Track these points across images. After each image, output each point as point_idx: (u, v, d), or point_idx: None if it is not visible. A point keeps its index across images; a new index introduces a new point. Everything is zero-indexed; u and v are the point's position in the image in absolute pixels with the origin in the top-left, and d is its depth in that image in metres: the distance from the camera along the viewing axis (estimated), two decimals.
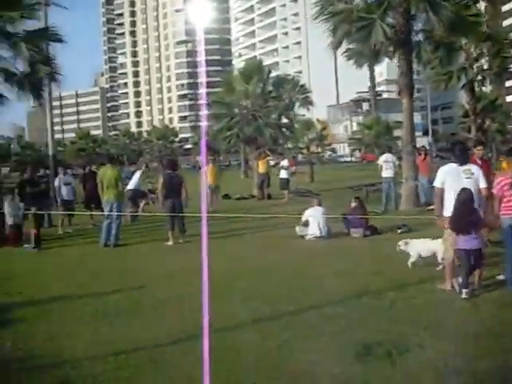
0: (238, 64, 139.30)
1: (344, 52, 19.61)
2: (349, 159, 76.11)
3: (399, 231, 12.92)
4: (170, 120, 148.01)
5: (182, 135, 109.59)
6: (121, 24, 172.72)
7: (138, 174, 19.25)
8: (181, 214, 13.22)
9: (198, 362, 5.50)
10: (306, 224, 13.38)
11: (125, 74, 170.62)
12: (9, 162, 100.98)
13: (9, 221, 14.68)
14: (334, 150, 61.16)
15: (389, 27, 16.77)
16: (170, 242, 13.14)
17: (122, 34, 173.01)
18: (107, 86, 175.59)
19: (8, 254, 13.52)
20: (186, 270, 10.00)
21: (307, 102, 42.18)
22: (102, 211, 14.04)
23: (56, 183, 17.14)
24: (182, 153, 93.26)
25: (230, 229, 14.92)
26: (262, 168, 24.22)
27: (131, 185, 18.63)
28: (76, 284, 9.48)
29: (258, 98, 26.09)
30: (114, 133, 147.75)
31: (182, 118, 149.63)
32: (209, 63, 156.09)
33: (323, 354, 5.63)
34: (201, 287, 7.86)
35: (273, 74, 29.91)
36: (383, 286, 8.17)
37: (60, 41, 15.91)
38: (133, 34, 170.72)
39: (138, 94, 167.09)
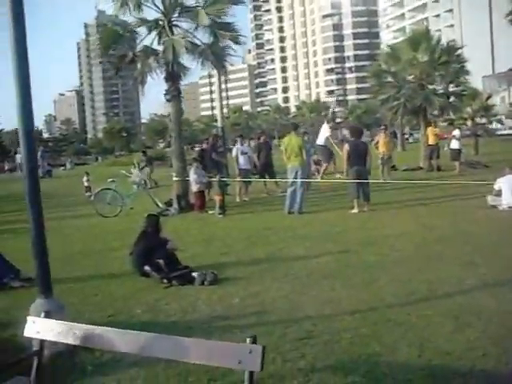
0: (386, 35, 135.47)
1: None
2: (506, 132, 71.11)
3: None
4: (317, 94, 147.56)
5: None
6: (266, 1, 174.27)
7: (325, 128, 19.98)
8: (365, 181, 13.05)
9: (432, 325, 5.40)
10: (499, 193, 12.62)
11: (271, 50, 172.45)
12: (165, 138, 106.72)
13: (194, 188, 15.37)
14: (501, 122, 57.10)
15: None
16: (355, 210, 13.02)
17: (268, 10, 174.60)
18: (255, 62, 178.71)
19: (198, 219, 14.18)
20: (386, 236, 9.85)
21: (463, 72, 39.77)
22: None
23: (234, 153, 17.65)
24: (332, 127, 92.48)
25: (415, 198, 14.55)
26: (431, 139, 23.29)
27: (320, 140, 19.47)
28: (276, 248, 9.65)
29: (427, 67, 24.94)
30: (261, 108, 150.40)
31: (330, 92, 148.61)
32: (355, 36, 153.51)
33: None
34: (417, 253, 7.74)
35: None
36: None
37: (242, 2, 16.04)
38: (279, 9, 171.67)
39: (284, 69, 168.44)
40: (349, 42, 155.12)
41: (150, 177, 21.86)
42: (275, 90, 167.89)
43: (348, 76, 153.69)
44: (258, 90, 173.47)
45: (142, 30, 16.33)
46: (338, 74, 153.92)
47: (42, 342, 3.61)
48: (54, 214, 16.30)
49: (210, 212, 14.81)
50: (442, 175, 21.51)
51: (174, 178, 15.96)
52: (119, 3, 15.59)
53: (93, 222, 14.81)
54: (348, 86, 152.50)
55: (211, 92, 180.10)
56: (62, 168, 41.70)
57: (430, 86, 25.97)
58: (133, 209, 16.10)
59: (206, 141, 19.66)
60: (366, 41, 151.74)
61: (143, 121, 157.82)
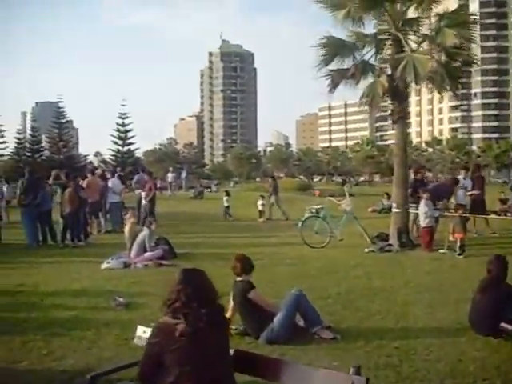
0: None
1: None
2: None
3: None
4: (440, 131, 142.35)
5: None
6: None
7: None
8: None
9: None
10: None
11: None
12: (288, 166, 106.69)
13: (423, 222, 13.58)
14: None
15: None
16: None
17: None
18: None
19: (433, 259, 12.30)
20: None
21: None
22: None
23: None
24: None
25: None
26: None
27: None
28: None
29: None
30: (381, 143, 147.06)
31: (454, 130, 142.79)
32: (483, 73, 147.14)
33: None
34: None
35: None
36: None
37: None
38: None
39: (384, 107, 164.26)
40: (477, 79, 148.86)
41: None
42: None
43: (474, 114, 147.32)
44: (377, 124, 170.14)
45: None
46: (463, 111, 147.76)
47: None
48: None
49: (441, 251, 12.92)
50: None
51: (395, 210, 14.25)
52: (342, 14, 14.34)
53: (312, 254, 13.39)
54: (474, 124, 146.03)
55: (330, 124, 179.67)
56: (208, 190, 41.41)
57: None
58: (342, 240, 14.58)
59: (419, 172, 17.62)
60: (494, 78, 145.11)
61: (259, 149, 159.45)
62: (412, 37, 14.65)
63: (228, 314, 6.59)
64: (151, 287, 9.23)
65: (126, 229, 13.01)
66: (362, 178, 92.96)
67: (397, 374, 5.25)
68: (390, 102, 14.58)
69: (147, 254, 11.97)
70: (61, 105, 75.54)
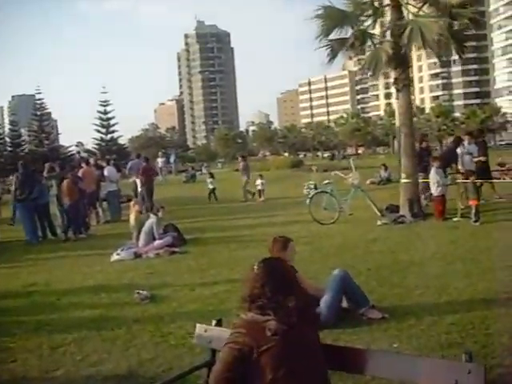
0: (497, 37, 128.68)
1: None
2: None
3: None
4: (422, 100, 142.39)
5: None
6: None
7: None
8: None
9: None
10: None
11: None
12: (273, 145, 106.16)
13: (435, 191, 13.22)
14: None
15: None
16: None
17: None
18: (355, 68, 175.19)
19: (450, 227, 11.97)
20: None
21: None
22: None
23: (459, 151, 15.36)
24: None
25: None
26: None
27: None
28: None
29: None
30: (365, 115, 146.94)
31: (435, 98, 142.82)
32: None
33: None
34: None
35: None
36: None
37: None
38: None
39: (386, 75, 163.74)
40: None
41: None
42: (377, 96, 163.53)
43: (454, 81, 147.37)
44: (359, 97, 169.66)
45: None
46: (443, 78, 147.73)
47: (213, 351, 3.35)
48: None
49: (455, 219, 12.61)
50: None
51: (404, 180, 13.88)
52: None
53: (322, 230, 12.99)
54: (454, 91, 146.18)
55: (311, 99, 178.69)
56: (199, 173, 40.83)
57: None
58: (352, 215, 14.24)
59: (424, 140, 17.26)
60: (473, 43, 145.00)
61: (241, 129, 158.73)
62: (411, 1, 14.19)
63: None
64: (170, 277, 8.82)
65: (132, 218, 12.53)
66: (348, 152, 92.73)
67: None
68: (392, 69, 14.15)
69: (157, 243, 11.52)
70: (39, 96, 74.17)
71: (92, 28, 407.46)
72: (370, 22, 14.83)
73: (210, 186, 22.72)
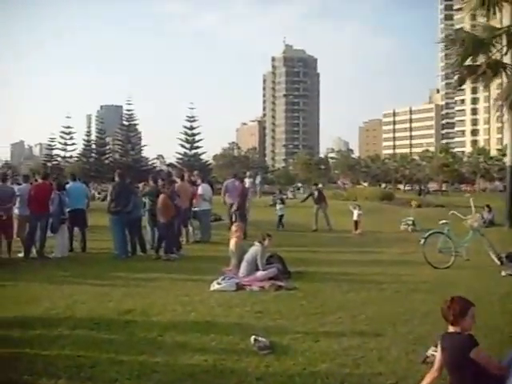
0: None
1: None
2: None
3: None
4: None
5: None
6: None
7: None
8: None
9: None
10: None
11: (462, 90, 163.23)
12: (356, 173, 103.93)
13: None
14: None
15: None
16: None
17: None
18: (442, 102, 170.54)
19: None
20: None
21: None
22: None
23: None
24: None
25: None
26: None
27: None
28: None
29: None
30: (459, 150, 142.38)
31: None
32: None
33: None
34: None
35: None
36: None
37: None
38: None
39: (474, 111, 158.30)
40: None
41: None
42: (463, 132, 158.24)
43: None
44: (443, 131, 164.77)
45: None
46: None
47: None
48: None
49: None
50: None
51: None
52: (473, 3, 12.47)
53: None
54: None
55: (394, 131, 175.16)
56: (285, 196, 39.55)
57: None
58: (469, 260, 12.64)
59: None
60: None
61: (320, 155, 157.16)
62: None
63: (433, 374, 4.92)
64: (284, 320, 7.58)
65: (232, 243, 11.42)
66: (431, 187, 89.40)
67: None
68: None
69: (259, 274, 10.36)
70: (129, 107, 75.60)
71: (182, 44, 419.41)
72: (504, 50, 13.48)
73: (280, 213, 21.43)
